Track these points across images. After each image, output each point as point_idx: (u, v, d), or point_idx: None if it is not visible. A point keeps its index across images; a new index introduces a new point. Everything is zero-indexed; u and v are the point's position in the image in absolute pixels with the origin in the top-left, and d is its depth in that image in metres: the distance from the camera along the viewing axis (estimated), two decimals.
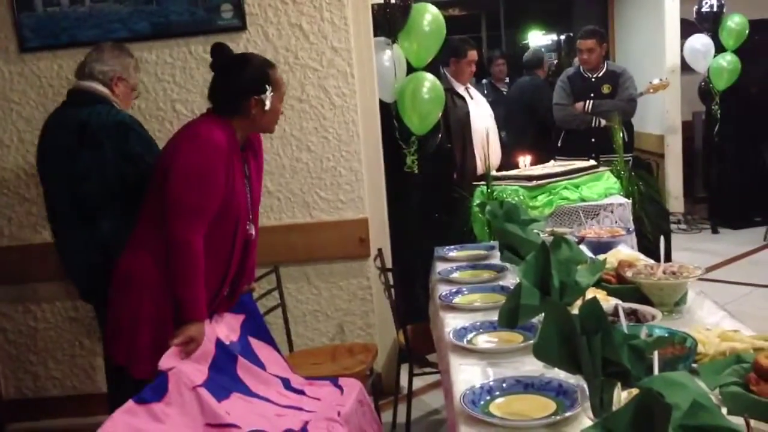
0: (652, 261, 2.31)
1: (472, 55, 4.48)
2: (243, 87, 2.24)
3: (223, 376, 2.12)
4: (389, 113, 3.81)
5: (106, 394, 3.43)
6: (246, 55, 2.43)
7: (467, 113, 4.41)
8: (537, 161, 4.17)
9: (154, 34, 3.30)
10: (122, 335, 2.22)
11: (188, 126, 2.28)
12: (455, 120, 4.36)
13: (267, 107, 2.25)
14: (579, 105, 4.93)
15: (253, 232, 2.38)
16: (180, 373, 1.95)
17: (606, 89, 4.91)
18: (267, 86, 2.24)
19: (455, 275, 2.67)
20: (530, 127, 5.70)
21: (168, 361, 1.97)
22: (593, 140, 4.76)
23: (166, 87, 3.33)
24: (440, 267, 2.81)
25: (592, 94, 4.91)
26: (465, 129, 4.34)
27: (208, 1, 3.26)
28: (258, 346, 2.40)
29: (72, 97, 2.72)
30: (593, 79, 4.97)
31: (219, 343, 2.19)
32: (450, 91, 4.39)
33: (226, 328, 2.32)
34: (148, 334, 2.18)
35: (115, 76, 2.70)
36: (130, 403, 1.83)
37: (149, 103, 3.34)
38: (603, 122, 4.82)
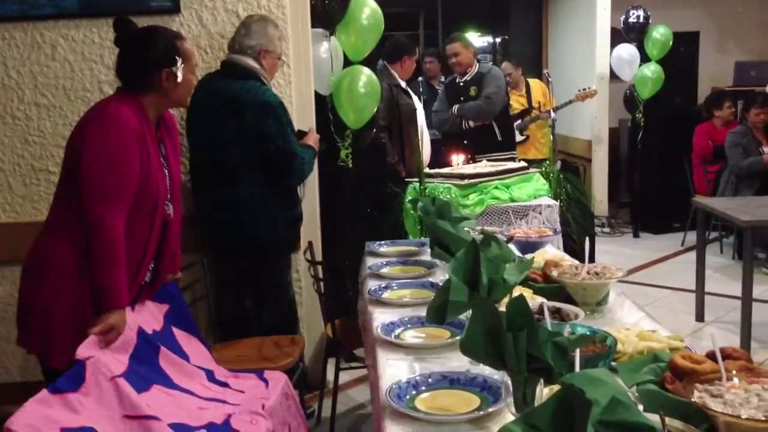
0: (577, 262, 2.36)
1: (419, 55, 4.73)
2: (152, 60, 2.19)
3: (144, 367, 2.06)
4: (324, 106, 3.78)
5: (18, 383, 3.31)
6: (152, 27, 2.37)
7: (414, 110, 4.46)
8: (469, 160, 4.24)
9: (81, 12, 3.17)
10: (35, 323, 2.12)
11: (96, 106, 2.22)
12: (404, 115, 4.39)
13: (179, 79, 2.21)
14: (447, 113, 5.07)
15: (172, 212, 2.32)
16: (98, 363, 1.88)
17: (473, 91, 5.03)
18: (177, 58, 2.21)
19: (385, 270, 2.68)
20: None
21: (86, 350, 1.90)
22: (465, 142, 4.87)
23: (93, 67, 3.22)
24: (371, 262, 2.81)
25: (461, 98, 5.01)
26: (413, 125, 4.37)
27: None
28: (182, 336, 2.35)
29: (226, 69, 3.01)
30: (461, 84, 5.08)
31: (141, 333, 2.13)
32: (397, 87, 4.43)
33: (148, 317, 2.26)
34: (65, 322, 2.09)
35: (261, 49, 2.98)
36: (43, 393, 1.75)
37: (75, 83, 3.22)
38: (471, 124, 4.97)
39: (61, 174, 2.20)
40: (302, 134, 3.17)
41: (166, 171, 2.28)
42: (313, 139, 3.19)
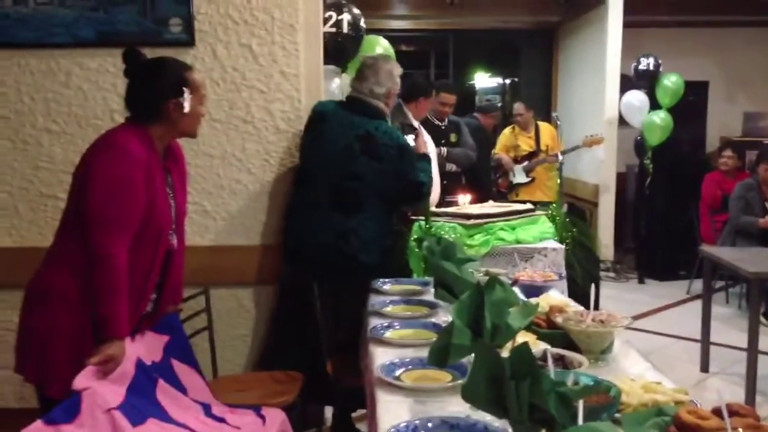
0: (581, 307, 2.34)
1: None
2: (160, 91, 2.21)
3: (141, 399, 2.03)
4: None
5: (15, 409, 3.27)
6: (160, 58, 2.39)
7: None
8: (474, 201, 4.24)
9: (98, 41, 3.21)
10: (34, 351, 2.10)
11: (104, 135, 2.22)
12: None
13: (186, 110, 2.23)
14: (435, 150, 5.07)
15: (175, 242, 2.31)
16: (95, 394, 1.86)
17: (453, 138, 5.13)
18: (184, 89, 2.23)
19: (388, 309, 2.66)
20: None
21: (83, 380, 1.88)
22: (445, 182, 4.87)
23: (107, 96, 3.25)
24: (374, 300, 2.79)
25: (443, 141, 5.05)
26: None
27: (157, 13, 3.20)
28: (181, 369, 2.32)
29: (356, 106, 3.22)
30: (443, 128, 5.13)
31: (139, 364, 2.11)
32: (409, 126, 4.45)
33: (148, 348, 2.23)
34: (64, 351, 2.07)
35: (390, 92, 3.25)
36: (37, 423, 1.73)
37: (87, 111, 3.25)
38: (454, 167, 5.06)
39: (67, 202, 2.21)
40: None
41: (172, 201, 2.28)
42: (422, 143, 3.53)
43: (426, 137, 4.61)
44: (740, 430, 1.32)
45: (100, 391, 1.89)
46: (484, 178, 6.11)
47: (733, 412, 1.42)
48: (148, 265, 2.18)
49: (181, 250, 2.37)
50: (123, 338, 2.06)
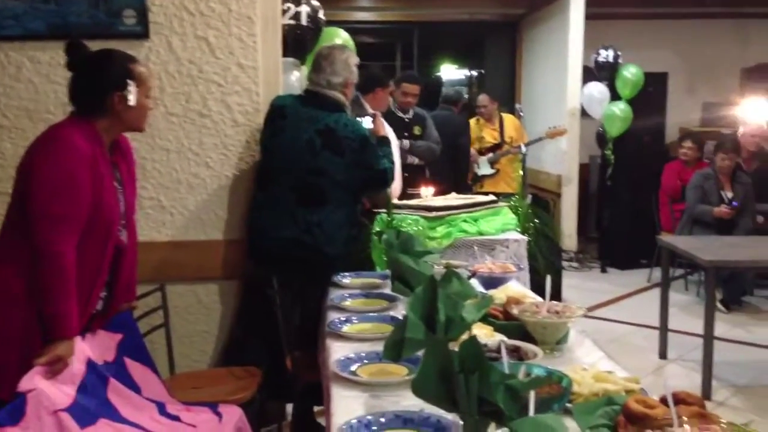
0: (540, 299, 2.35)
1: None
2: (103, 83, 2.17)
3: (92, 400, 1.99)
4: None
5: None
6: (104, 51, 2.34)
7: None
8: (451, 192, 4.25)
9: (49, 34, 3.13)
10: None
11: (48, 130, 2.18)
12: None
13: (131, 102, 2.18)
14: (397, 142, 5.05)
15: (125, 239, 2.27)
16: (41, 396, 1.81)
17: (417, 130, 5.08)
18: (129, 81, 2.18)
19: (347, 303, 2.64)
20: (449, 160, 5.79)
21: (29, 382, 1.83)
22: (406, 175, 4.87)
23: (58, 89, 3.16)
24: (333, 294, 2.77)
25: (406, 133, 5.03)
26: None
27: (110, 5, 3.13)
28: (134, 367, 2.28)
29: (314, 100, 3.16)
30: (407, 120, 5.09)
31: (90, 364, 2.06)
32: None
33: (100, 347, 2.19)
34: (13, 352, 2.02)
35: (347, 82, 3.19)
36: None
37: (38, 104, 3.17)
38: (416, 160, 5.01)
39: (12, 198, 2.15)
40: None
41: (120, 197, 2.24)
42: (381, 125, 3.52)
43: (389, 130, 4.61)
44: (686, 417, 1.33)
45: (47, 393, 1.84)
46: (463, 165, 6.10)
47: (680, 400, 1.44)
48: (97, 263, 2.14)
49: (131, 247, 2.33)
50: (72, 338, 2.02)
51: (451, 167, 5.71)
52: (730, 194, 5.76)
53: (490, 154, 6.49)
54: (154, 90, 2.43)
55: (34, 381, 1.84)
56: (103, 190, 2.11)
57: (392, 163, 3.25)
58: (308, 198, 3.09)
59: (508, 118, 6.65)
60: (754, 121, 6.48)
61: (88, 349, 2.10)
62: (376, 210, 3.96)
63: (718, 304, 5.32)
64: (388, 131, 4.66)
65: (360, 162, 3.09)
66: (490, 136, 6.58)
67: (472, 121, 6.75)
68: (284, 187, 3.11)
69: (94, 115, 2.17)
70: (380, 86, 4.52)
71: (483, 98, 6.64)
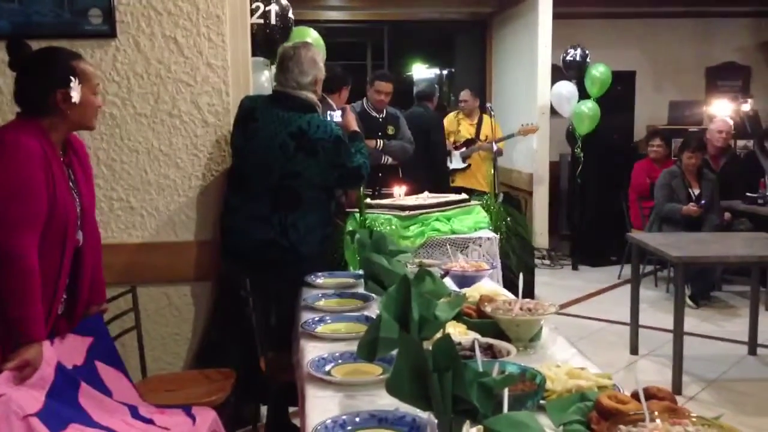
0: (513, 296, 2.36)
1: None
2: (45, 82, 2.13)
3: (62, 405, 1.96)
4: None
5: None
6: (46, 48, 2.30)
7: None
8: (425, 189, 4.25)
9: (13, 33, 3.07)
10: None
11: None
12: None
13: (75, 100, 2.14)
14: (371, 142, 4.95)
15: (82, 239, 2.24)
16: (10, 401, 1.78)
17: (391, 130, 5.07)
18: (72, 78, 2.14)
19: (320, 303, 2.63)
20: (425, 157, 5.79)
21: None
22: (380, 175, 4.87)
23: None
24: (306, 294, 2.76)
25: (379, 133, 5.03)
26: None
27: (75, 4, 3.08)
28: (105, 371, 2.25)
29: (284, 101, 3.10)
30: (380, 120, 5.08)
31: (60, 368, 2.03)
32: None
33: (70, 351, 2.16)
34: None
35: (316, 79, 3.14)
36: None
37: (3, 105, 3.11)
38: (390, 160, 4.98)
39: None
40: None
41: (76, 196, 2.20)
42: (351, 119, 3.47)
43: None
44: (657, 413, 1.35)
45: (16, 398, 1.81)
46: (438, 161, 6.11)
47: (651, 395, 1.46)
48: (56, 265, 2.10)
49: (91, 248, 2.29)
50: (40, 341, 1.98)
51: (426, 164, 5.71)
52: (697, 191, 5.85)
53: (464, 149, 6.55)
54: (111, 87, 2.37)
55: (2, 386, 1.81)
56: (56, 190, 2.07)
57: (366, 157, 3.22)
58: (283, 201, 3.06)
59: (487, 118, 6.70)
60: (720, 119, 6.59)
61: (57, 353, 2.07)
62: (349, 210, 3.96)
63: (688, 300, 5.40)
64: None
65: (334, 162, 3.07)
66: (466, 131, 6.65)
67: (451, 115, 6.82)
68: (259, 190, 3.09)
69: (39, 115, 2.13)
70: (344, 85, 4.51)
71: (465, 93, 6.74)
